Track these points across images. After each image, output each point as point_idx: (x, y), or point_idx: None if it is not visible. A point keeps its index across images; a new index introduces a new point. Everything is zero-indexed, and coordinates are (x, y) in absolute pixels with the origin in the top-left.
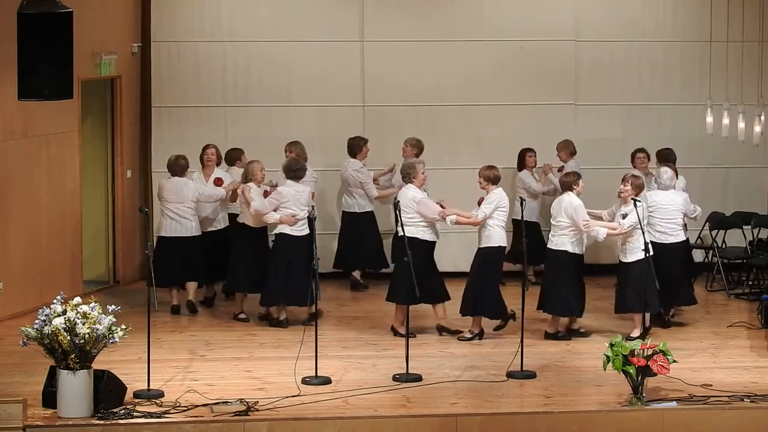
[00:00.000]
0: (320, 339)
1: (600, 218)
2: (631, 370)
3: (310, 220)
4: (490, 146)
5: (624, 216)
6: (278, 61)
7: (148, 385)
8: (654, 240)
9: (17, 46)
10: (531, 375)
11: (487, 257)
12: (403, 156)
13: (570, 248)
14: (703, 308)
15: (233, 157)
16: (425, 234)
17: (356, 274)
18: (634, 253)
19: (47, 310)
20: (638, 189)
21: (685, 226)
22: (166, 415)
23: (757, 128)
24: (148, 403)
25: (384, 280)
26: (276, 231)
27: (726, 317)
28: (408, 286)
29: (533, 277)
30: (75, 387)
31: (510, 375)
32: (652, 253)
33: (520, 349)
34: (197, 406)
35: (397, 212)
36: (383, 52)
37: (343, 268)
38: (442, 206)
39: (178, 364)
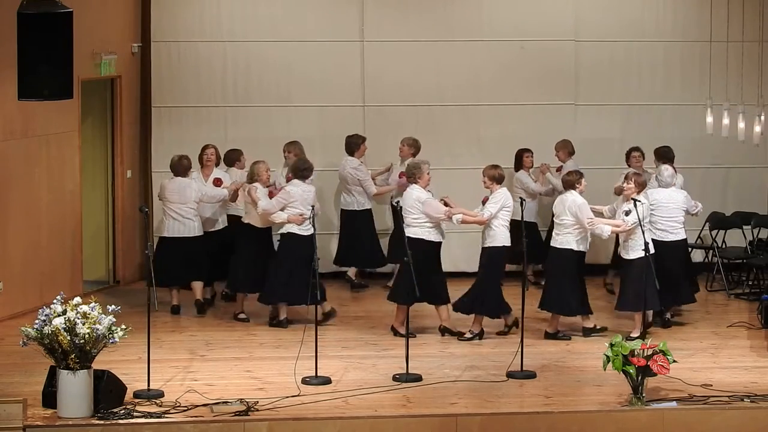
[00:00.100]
0: (320, 339)
1: (600, 214)
2: (631, 370)
3: (312, 218)
4: (490, 146)
5: (627, 213)
6: (278, 61)
7: (148, 385)
8: (655, 238)
9: (17, 46)
10: (531, 375)
11: (491, 257)
12: (400, 156)
13: (575, 246)
14: (703, 308)
15: (232, 157)
16: (431, 234)
17: (351, 273)
18: (636, 250)
19: (47, 310)
20: (641, 186)
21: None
22: (166, 415)
23: (757, 128)
24: (148, 403)
25: (384, 279)
26: (283, 231)
27: (726, 317)
28: (409, 287)
29: (532, 277)
30: (75, 387)
31: (510, 375)
32: (653, 251)
33: (520, 349)
34: (197, 406)
35: (399, 213)
36: (383, 52)
37: (343, 264)
38: (445, 203)
39: (178, 364)
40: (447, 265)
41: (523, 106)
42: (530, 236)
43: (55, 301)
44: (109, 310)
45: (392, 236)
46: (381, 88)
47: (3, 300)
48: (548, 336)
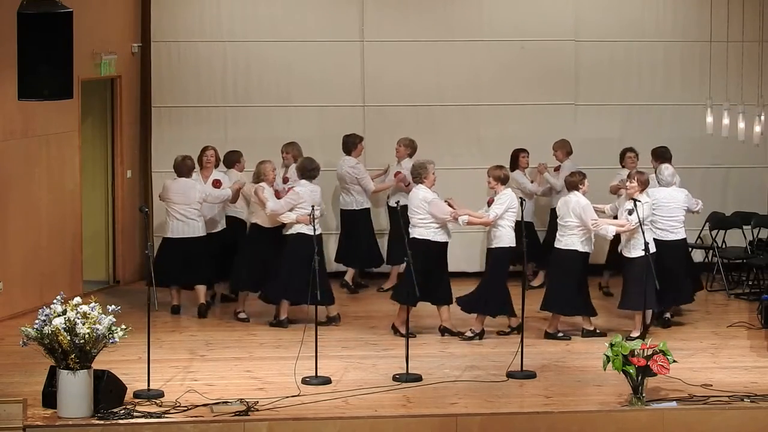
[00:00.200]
0: (320, 339)
1: (602, 212)
2: (631, 370)
3: (312, 218)
4: (490, 146)
5: (630, 212)
6: (278, 62)
7: (148, 385)
8: (655, 237)
9: (17, 46)
10: (531, 375)
11: (497, 258)
12: (396, 156)
13: (580, 247)
14: (703, 308)
15: (232, 159)
16: (437, 235)
17: (348, 278)
18: (638, 249)
19: (47, 310)
20: (644, 185)
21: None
22: (166, 415)
23: (757, 128)
24: (148, 403)
25: (384, 279)
26: (292, 231)
27: (726, 317)
28: (409, 287)
29: (531, 276)
30: (75, 387)
31: (510, 375)
32: (654, 250)
33: (520, 349)
34: (197, 406)
35: (398, 213)
36: (383, 52)
37: (344, 263)
38: (450, 205)
39: (178, 364)
40: (448, 265)
41: (523, 106)
42: (528, 236)
43: (55, 301)
44: (109, 310)
45: (390, 237)
46: (381, 88)
47: (3, 300)
48: (548, 336)
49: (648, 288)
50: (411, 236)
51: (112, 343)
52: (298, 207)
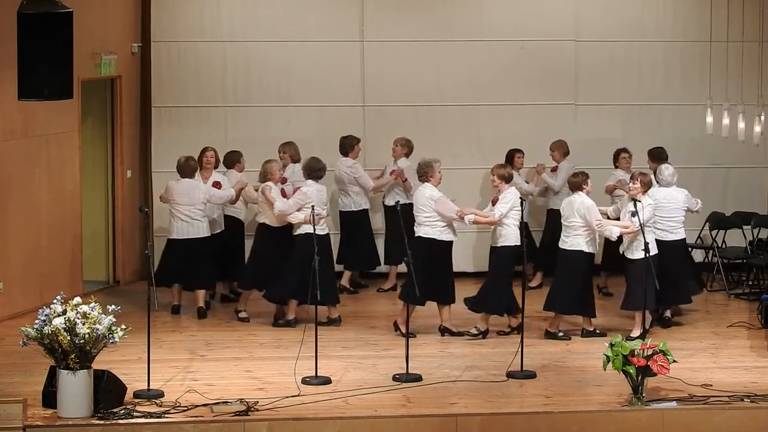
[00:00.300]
0: (320, 339)
1: (605, 215)
2: (631, 370)
3: (313, 218)
4: (490, 146)
5: (633, 213)
6: (278, 62)
7: (148, 385)
8: (656, 237)
9: (17, 46)
10: (531, 375)
11: (502, 257)
12: (393, 156)
13: (585, 248)
14: (703, 308)
15: (232, 159)
16: (442, 234)
17: (345, 281)
18: (640, 250)
19: (47, 310)
20: (647, 186)
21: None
22: (166, 415)
23: (757, 128)
24: (148, 403)
25: (383, 279)
26: (301, 231)
27: (726, 317)
28: (410, 287)
29: (530, 276)
30: (75, 387)
31: (510, 375)
32: (656, 251)
33: (520, 349)
34: (197, 406)
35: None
36: (383, 52)
37: (344, 265)
38: None
39: (178, 364)
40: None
41: (523, 106)
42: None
43: (55, 301)
44: (109, 310)
45: (387, 237)
46: (381, 88)
47: (3, 300)
48: (548, 335)
49: (648, 288)
50: (416, 235)
51: (112, 343)
52: (306, 207)
